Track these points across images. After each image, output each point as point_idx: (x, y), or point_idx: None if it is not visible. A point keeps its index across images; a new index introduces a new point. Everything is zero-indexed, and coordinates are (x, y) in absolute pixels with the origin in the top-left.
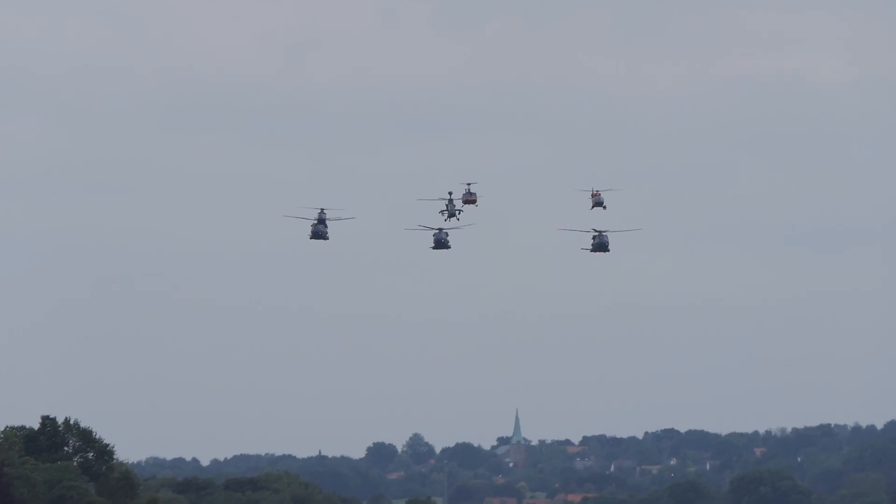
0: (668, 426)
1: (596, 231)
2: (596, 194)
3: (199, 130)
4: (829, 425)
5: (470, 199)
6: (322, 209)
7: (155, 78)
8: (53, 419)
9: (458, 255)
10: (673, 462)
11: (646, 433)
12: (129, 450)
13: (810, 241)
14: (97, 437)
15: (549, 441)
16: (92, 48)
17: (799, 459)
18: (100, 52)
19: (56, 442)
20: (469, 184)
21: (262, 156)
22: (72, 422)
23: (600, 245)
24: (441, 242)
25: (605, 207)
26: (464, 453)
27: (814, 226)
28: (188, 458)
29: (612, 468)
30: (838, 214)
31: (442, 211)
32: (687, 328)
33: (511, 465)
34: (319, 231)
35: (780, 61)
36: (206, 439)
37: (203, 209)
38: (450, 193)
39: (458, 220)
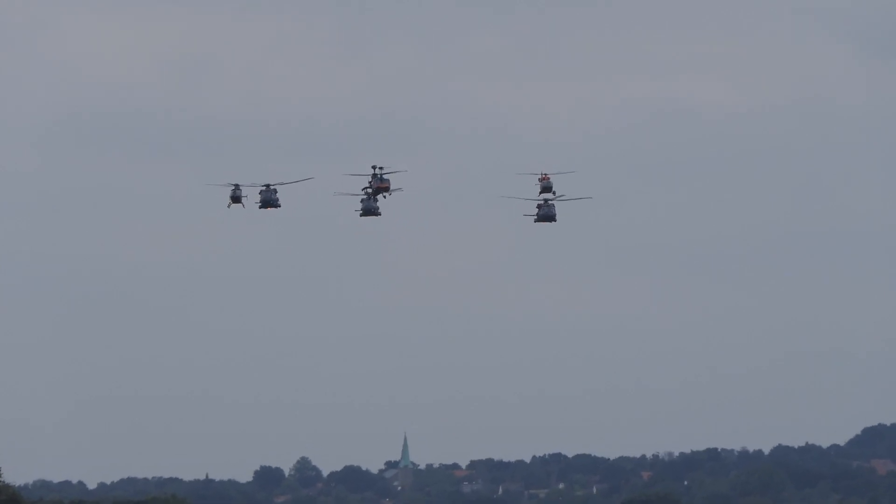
0: (556, 450)
1: (542, 200)
2: (544, 178)
3: (93, 152)
4: (716, 449)
5: (382, 185)
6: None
7: (49, 102)
8: None
9: (348, 273)
10: (561, 486)
11: (533, 457)
12: (15, 472)
13: (700, 266)
14: None
15: (436, 465)
16: None
17: (686, 483)
18: None
19: None
20: (381, 167)
21: (157, 175)
22: None
23: (546, 215)
24: (370, 210)
25: (555, 193)
26: (351, 477)
27: (704, 251)
28: (75, 482)
29: (500, 491)
30: (727, 240)
31: (365, 188)
32: (575, 351)
33: (399, 488)
34: (270, 198)
35: (672, 88)
36: (93, 462)
37: (97, 229)
38: (373, 168)
39: (385, 197)
